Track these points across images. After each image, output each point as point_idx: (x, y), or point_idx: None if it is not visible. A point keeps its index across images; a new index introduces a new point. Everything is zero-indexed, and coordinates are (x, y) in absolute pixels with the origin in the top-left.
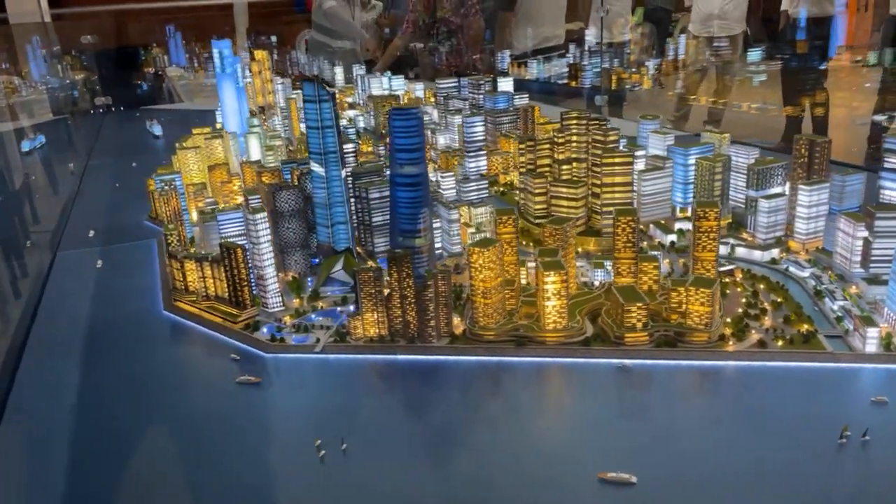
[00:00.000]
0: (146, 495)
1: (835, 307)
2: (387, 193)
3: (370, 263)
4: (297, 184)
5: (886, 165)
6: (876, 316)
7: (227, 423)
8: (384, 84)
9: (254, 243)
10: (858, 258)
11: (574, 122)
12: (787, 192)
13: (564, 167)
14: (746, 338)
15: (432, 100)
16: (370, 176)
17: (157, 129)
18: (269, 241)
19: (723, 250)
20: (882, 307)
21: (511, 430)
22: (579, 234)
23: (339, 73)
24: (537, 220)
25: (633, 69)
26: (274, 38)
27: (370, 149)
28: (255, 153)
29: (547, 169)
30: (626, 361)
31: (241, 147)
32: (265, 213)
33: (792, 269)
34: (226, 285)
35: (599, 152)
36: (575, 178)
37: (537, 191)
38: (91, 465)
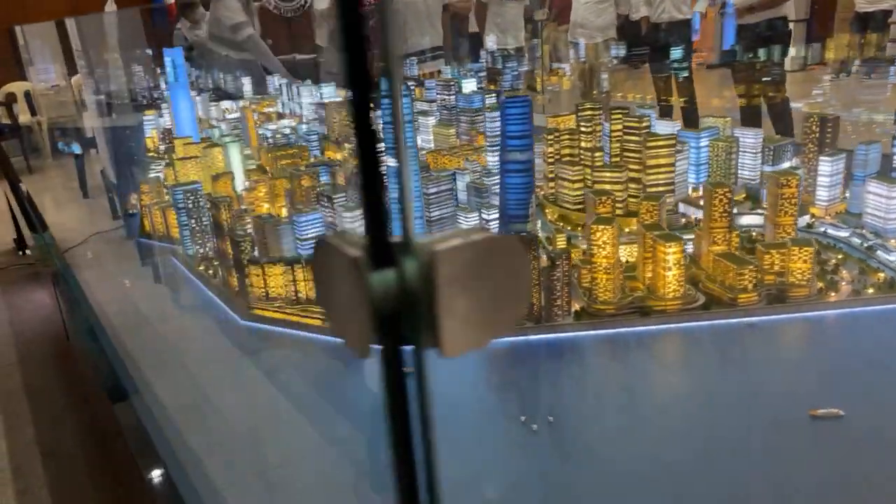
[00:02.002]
0: None
1: (891, 258)
2: (445, 188)
3: None
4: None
5: None
6: None
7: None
8: (313, 92)
9: None
10: (894, 216)
11: (589, 112)
12: (799, 165)
13: (597, 154)
14: (839, 289)
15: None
16: None
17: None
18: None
19: (757, 220)
20: None
21: (698, 387)
22: (621, 216)
23: (246, 83)
24: (575, 207)
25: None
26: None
27: (337, 156)
28: (236, 163)
29: (568, 158)
30: (750, 319)
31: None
32: (360, 211)
33: (830, 230)
34: None
35: (640, 137)
36: (606, 164)
37: (574, 178)
38: None
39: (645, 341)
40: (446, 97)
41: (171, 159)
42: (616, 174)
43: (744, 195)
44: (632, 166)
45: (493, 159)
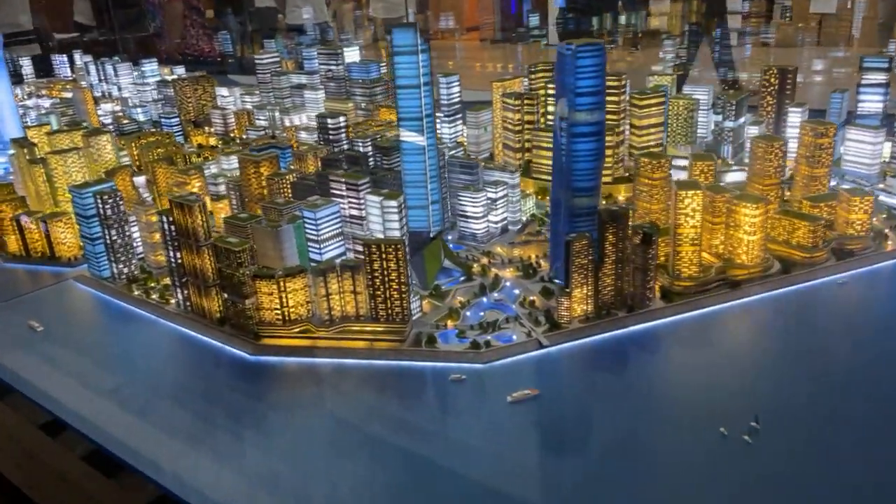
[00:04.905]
0: None
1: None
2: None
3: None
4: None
5: (864, 82)
6: None
7: (594, 440)
8: (132, 70)
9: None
10: (878, 161)
11: (541, 75)
12: (760, 119)
13: None
14: (887, 238)
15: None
16: (395, 150)
17: None
18: (406, 231)
19: (740, 177)
20: None
21: (856, 344)
22: (609, 184)
23: (26, 65)
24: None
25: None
26: None
27: (211, 140)
28: (107, 152)
29: (530, 125)
30: (836, 277)
31: None
32: (403, 197)
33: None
34: (366, 298)
35: (619, 97)
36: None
37: (552, 145)
38: None
39: (757, 316)
40: (333, 68)
41: (37, 154)
42: (609, 138)
43: (701, 152)
44: (615, 129)
45: (444, 131)
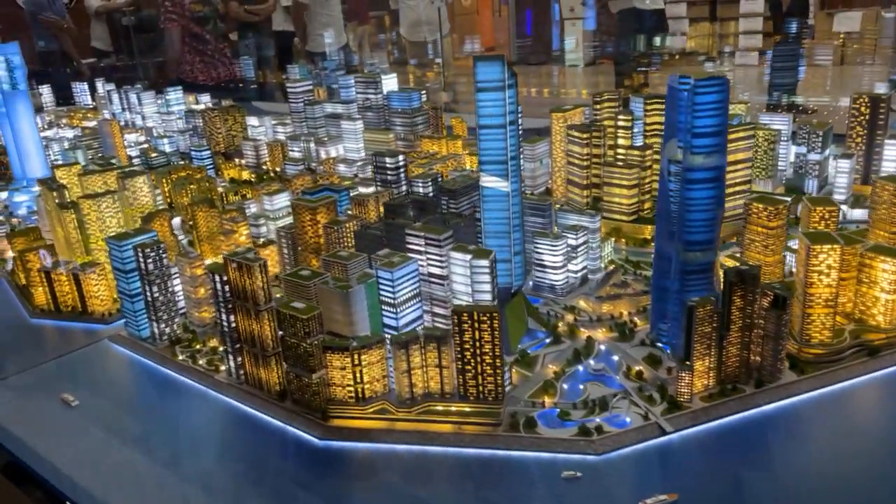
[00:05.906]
0: None
1: None
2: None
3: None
4: (389, 217)
5: None
6: None
7: None
8: (156, 99)
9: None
10: None
11: (607, 105)
12: (847, 151)
13: (648, 152)
14: None
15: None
16: (463, 192)
17: None
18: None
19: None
20: None
21: None
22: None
23: (45, 92)
24: (631, 218)
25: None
26: None
27: (244, 174)
28: (144, 194)
29: (597, 160)
30: None
31: None
32: (493, 255)
33: None
34: (452, 373)
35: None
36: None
37: (629, 183)
38: None
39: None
40: (371, 96)
41: (68, 197)
42: None
43: (781, 189)
44: None
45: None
